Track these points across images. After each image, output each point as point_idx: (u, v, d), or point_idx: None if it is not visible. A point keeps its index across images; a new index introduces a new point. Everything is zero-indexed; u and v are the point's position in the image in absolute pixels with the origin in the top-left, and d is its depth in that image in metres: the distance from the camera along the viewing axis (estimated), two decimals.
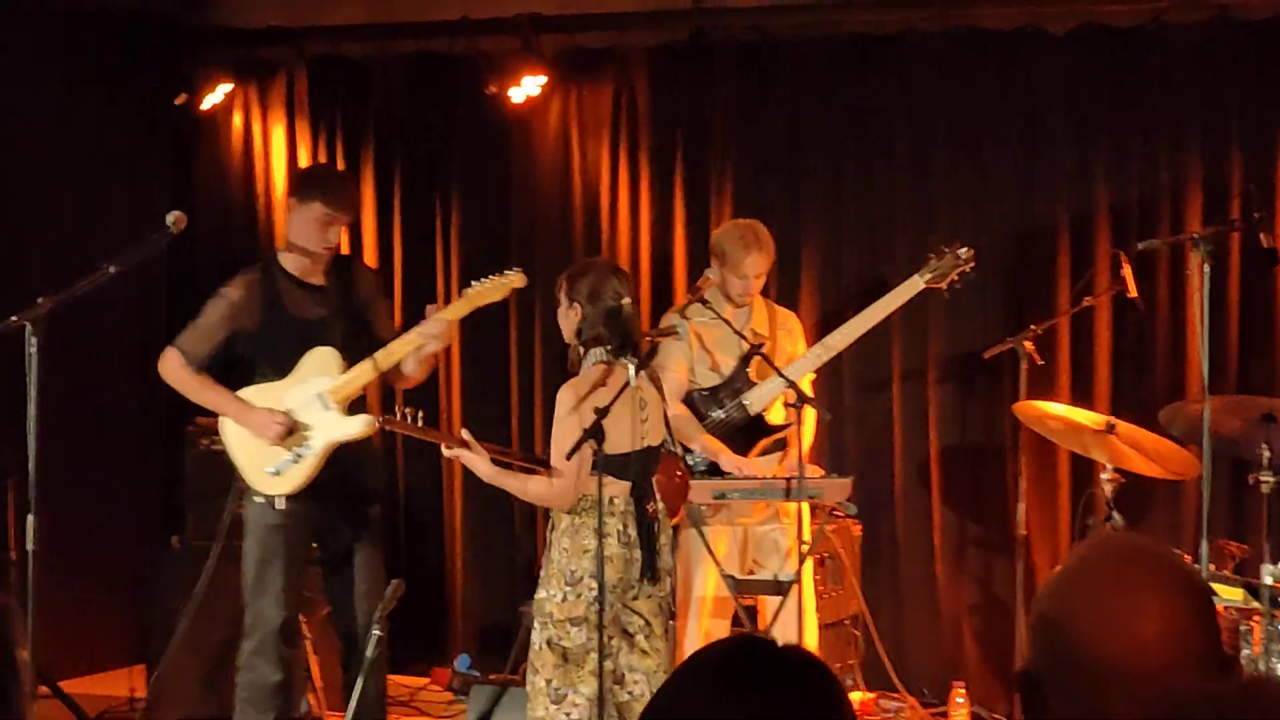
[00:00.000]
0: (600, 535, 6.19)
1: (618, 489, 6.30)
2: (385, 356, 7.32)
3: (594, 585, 6.18)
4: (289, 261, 7.48)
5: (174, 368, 7.44)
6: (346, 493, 7.45)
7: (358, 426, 7.28)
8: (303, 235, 7.39)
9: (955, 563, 9.48)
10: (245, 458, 7.40)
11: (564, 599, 6.26)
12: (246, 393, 7.39)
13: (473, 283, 7.34)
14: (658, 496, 6.46)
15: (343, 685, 7.68)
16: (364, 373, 7.32)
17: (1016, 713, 8.34)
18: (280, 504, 7.32)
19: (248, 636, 7.45)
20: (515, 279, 7.29)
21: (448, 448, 6.65)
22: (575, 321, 6.48)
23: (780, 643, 2.35)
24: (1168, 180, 9.09)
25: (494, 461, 6.53)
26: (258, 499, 7.39)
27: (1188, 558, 6.57)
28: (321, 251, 7.38)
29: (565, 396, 6.36)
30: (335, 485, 7.37)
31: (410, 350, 7.31)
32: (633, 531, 6.28)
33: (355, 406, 7.38)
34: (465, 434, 6.58)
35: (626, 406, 6.19)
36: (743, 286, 7.96)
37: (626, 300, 6.43)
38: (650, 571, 6.34)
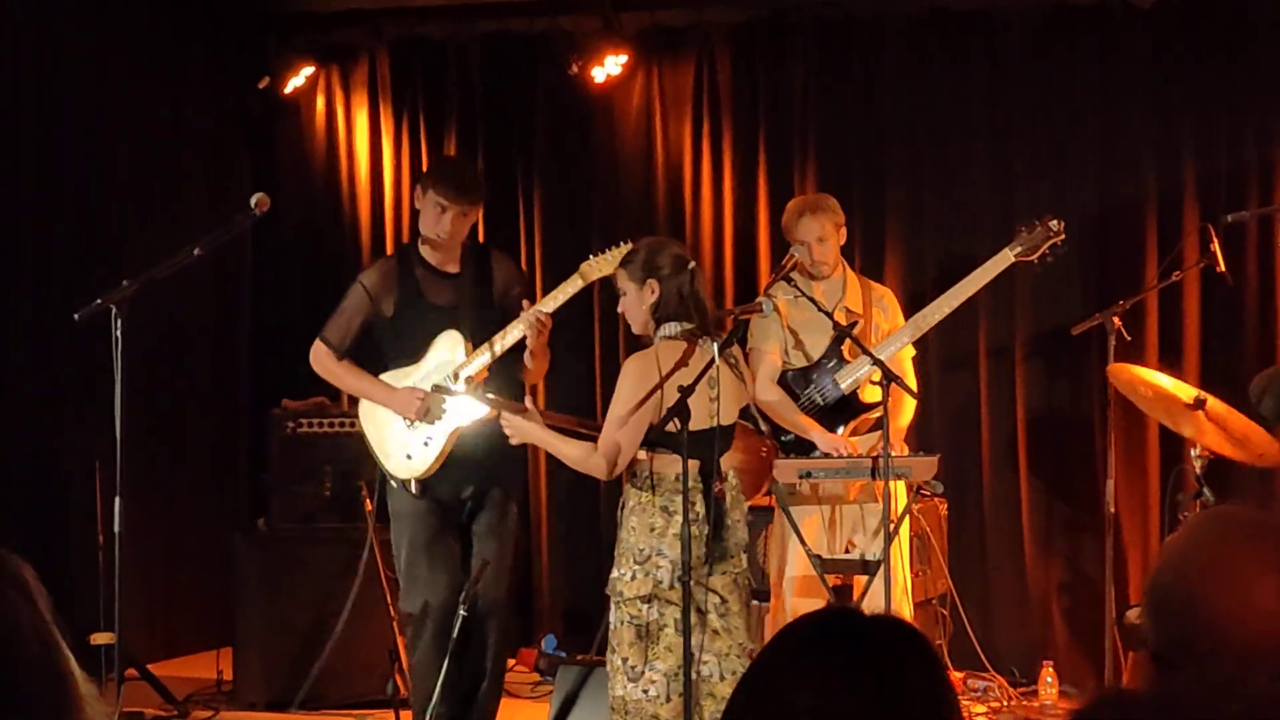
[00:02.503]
0: (678, 513, 6.15)
1: (689, 467, 6.23)
2: (500, 340, 7.31)
3: (661, 564, 6.15)
4: (426, 249, 7.51)
5: (321, 359, 7.50)
6: (479, 473, 7.47)
7: (484, 408, 7.23)
8: (425, 224, 7.43)
9: (1043, 541, 9.40)
10: (380, 443, 7.44)
11: (633, 577, 6.21)
12: (384, 378, 7.44)
13: (590, 257, 7.31)
14: (725, 476, 6.38)
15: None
16: (484, 356, 7.32)
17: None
18: (414, 488, 7.35)
19: (406, 623, 7.49)
20: (627, 250, 7.26)
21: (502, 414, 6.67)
22: (651, 299, 6.39)
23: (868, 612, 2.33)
24: (1255, 152, 8.98)
25: (551, 427, 6.53)
26: (394, 484, 7.43)
27: None
28: (437, 238, 7.40)
29: (630, 368, 6.31)
30: (467, 466, 7.39)
31: (516, 338, 7.30)
32: (701, 509, 6.23)
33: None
34: (529, 401, 6.59)
35: (702, 384, 6.13)
36: (808, 254, 7.89)
37: (692, 263, 6.40)
38: (712, 552, 6.26)
